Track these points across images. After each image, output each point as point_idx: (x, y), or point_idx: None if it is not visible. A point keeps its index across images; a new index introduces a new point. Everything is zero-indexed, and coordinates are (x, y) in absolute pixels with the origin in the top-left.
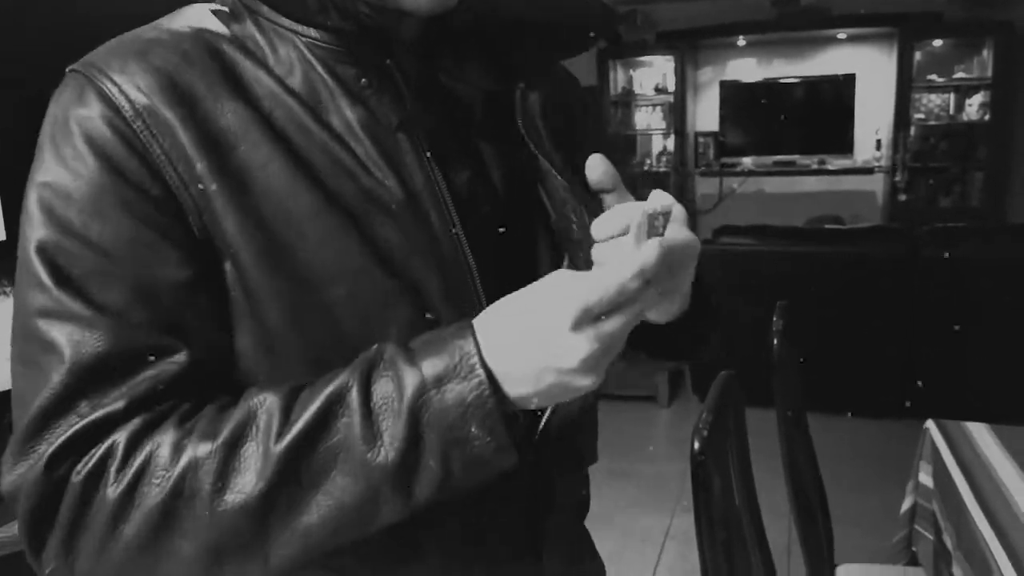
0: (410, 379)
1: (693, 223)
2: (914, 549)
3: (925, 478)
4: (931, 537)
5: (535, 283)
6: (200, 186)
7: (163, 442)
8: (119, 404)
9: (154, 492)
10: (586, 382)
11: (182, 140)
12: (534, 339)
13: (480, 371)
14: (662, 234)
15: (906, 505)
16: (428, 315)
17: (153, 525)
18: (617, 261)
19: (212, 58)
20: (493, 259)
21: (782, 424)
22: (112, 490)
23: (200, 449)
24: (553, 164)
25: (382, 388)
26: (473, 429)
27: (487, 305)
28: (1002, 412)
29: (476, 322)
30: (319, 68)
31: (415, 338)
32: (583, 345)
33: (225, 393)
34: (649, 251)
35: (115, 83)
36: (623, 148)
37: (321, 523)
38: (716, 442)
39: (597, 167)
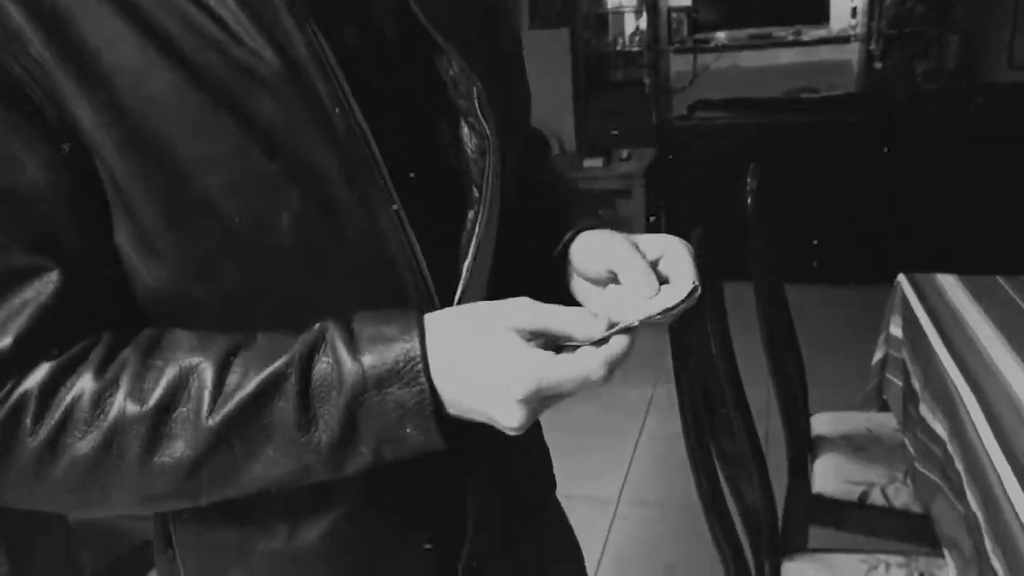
0: (350, 375)
1: (668, 101)
2: (884, 397)
3: (895, 329)
4: (900, 384)
5: (501, 323)
6: (46, 73)
7: (82, 394)
8: (6, 341)
9: (79, 444)
10: (511, 433)
11: (16, 21)
12: (481, 389)
13: (423, 380)
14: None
15: (877, 357)
16: (323, 201)
17: (80, 474)
18: (588, 353)
19: None
20: (392, 131)
21: (759, 290)
22: (31, 440)
23: (129, 409)
24: (435, 23)
25: (320, 375)
26: (408, 430)
27: (391, 184)
28: (973, 266)
29: (428, 327)
30: None
31: (357, 317)
32: (523, 414)
33: (120, 309)
34: (618, 346)
35: None
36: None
37: (251, 482)
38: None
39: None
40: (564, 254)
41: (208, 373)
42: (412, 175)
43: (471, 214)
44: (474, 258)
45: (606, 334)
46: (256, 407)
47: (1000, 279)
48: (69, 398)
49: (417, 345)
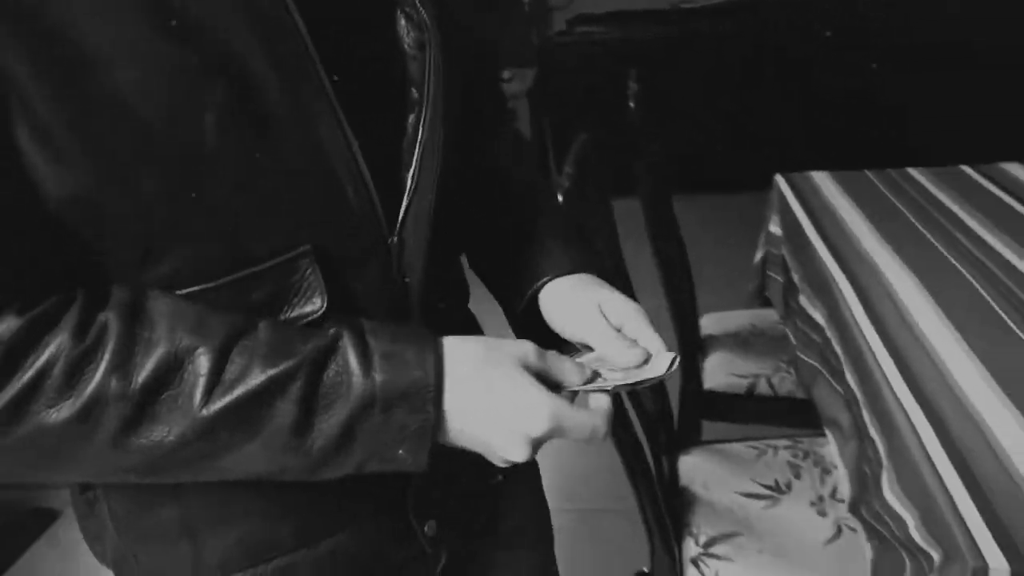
0: (359, 388)
1: (548, 19)
2: (767, 294)
3: (775, 228)
4: (780, 279)
5: (514, 359)
6: None
7: (57, 359)
8: None
9: (47, 413)
10: (502, 465)
11: None
12: (494, 423)
13: (431, 409)
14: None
15: (758, 256)
16: (250, 100)
17: (43, 444)
18: (595, 410)
19: None
20: (323, 17)
21: (645, 203)
22: None
23: (113, 384)
24: None
25: (329, 384)
26: (401, 452)
27: (328, 83)
28: (845, 162)
29: (447, 357)
30: None
31: (370, 328)
32: (526, 453)
33: (68, 250)
34: (608, 404)
35: None
36: None
37: (222, 471)
38: (579, 202)
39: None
40: (534, 295)
41: (205, 359)
42: (352, 73)
43: (412, 118)
44: (419, 166)
45: (585, 388)
46: (256, 403)
47: (868, 173)
48: (41, 362)
49: (432, 374)
